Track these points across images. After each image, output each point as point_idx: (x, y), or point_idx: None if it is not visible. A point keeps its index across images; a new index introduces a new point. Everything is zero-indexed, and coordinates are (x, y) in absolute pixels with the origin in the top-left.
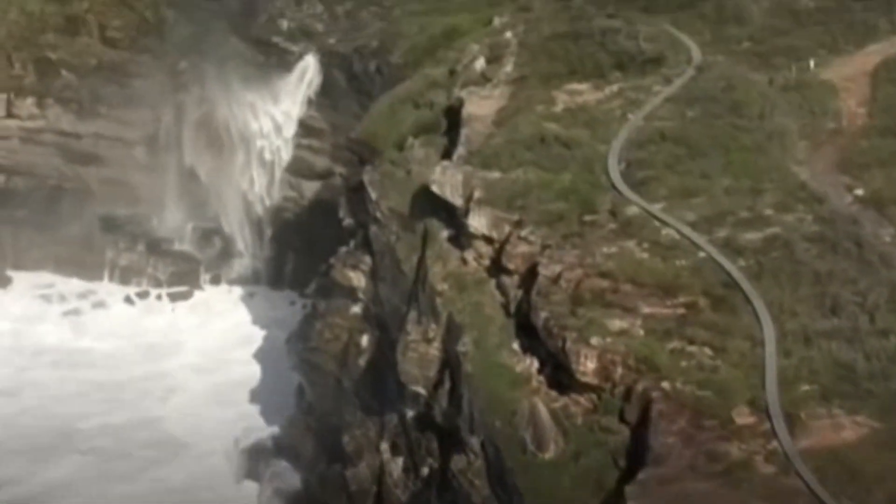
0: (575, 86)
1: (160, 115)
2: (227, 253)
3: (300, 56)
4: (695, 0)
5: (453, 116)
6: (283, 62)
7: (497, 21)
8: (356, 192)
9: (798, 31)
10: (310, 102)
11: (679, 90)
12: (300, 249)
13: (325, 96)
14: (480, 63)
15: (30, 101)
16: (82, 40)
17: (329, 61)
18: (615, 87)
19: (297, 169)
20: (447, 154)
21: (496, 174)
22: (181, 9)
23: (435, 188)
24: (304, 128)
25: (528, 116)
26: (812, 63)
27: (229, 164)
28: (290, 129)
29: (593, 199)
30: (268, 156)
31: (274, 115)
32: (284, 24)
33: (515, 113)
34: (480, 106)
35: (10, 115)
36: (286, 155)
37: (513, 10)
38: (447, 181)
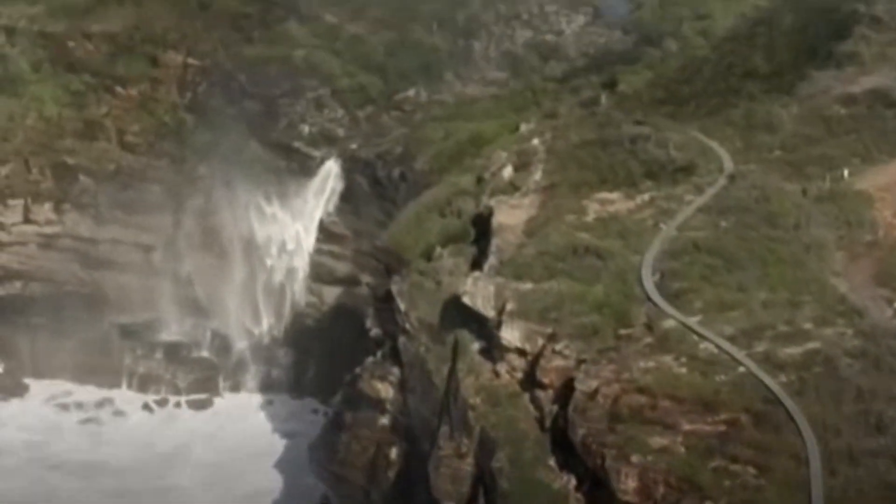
0: (605, 194)
1: (178, 221)
2: (245, 360)
3: (322, 161)
4: (723, 106)
5: (482, 225)
6: (304, 167)
7: (524, 128)
8: (384, 302)
9: (830, 140)
10: (322, 221)
11: (712, 200)
12: (321, 356)
13: (347, 202)
14: (508, 171)
15: (47, 206)
16: (100, 145)
17: (351, 167)
18: (646, 196)
19: (318, 274)
20: (476, 264)
21: (528, 285)
22: (200, 113)
23: (466, 299)
24: (325, 233)
25: (558, 226)
26: (846, 173)
27: (232, 280)
28: (303, 260)
29: (628, 312)
30: (278, 277)
31: (286, 233)
32: (305, 128)
33: (546, 222)
34: (510, 215)
35: (27, 220)
36: (300, 290)
37: (539, 117)
38: (479, 292)
